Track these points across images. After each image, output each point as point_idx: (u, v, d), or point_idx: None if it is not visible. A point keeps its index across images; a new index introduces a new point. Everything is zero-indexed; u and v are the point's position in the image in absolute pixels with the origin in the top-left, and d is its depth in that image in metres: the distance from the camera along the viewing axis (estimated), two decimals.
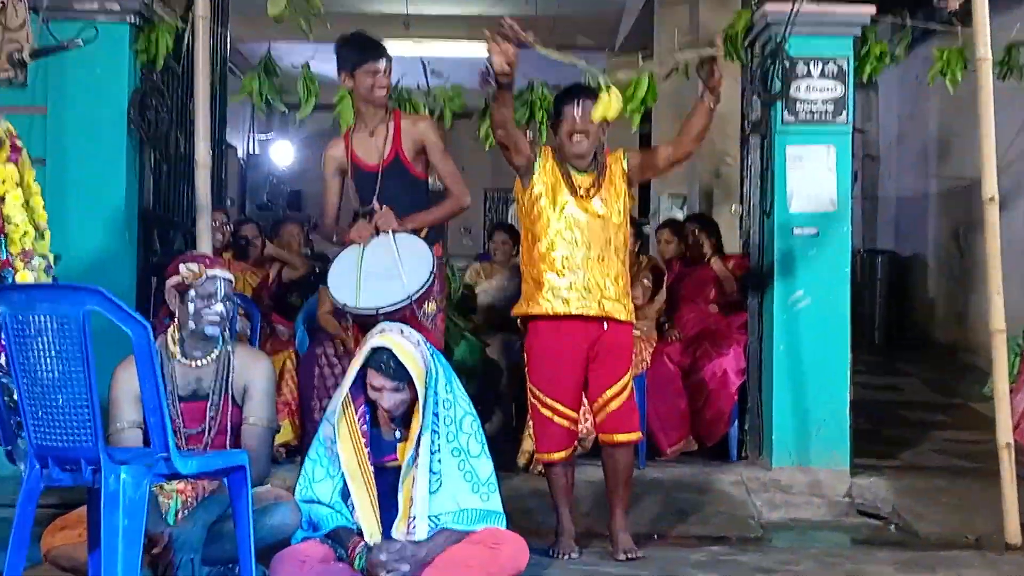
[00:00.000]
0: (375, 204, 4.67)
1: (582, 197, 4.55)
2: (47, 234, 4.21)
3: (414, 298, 4.35)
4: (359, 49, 4.80)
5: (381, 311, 4.32)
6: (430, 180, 5.04)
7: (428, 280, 4.38)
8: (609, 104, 4.41)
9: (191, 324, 3.99)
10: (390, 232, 4.56)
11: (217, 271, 4.04)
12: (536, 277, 4.60)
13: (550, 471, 4.70)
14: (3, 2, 5.35)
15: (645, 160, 4.70)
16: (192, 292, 3.99)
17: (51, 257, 4.23)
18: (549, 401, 4.57)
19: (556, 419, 4.58)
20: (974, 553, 4.74)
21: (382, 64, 4.75)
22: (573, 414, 4.63)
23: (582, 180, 4.58)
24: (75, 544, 3.72)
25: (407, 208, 4.66)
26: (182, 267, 4.06)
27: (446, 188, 4.91)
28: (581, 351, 4.56)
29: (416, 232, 4.60)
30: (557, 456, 4.61)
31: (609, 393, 4.57)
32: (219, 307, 3.98)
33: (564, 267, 4.54)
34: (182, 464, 3.37)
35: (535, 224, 4.62)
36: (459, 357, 5.97)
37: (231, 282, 4.11)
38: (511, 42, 4.27)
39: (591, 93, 4.53)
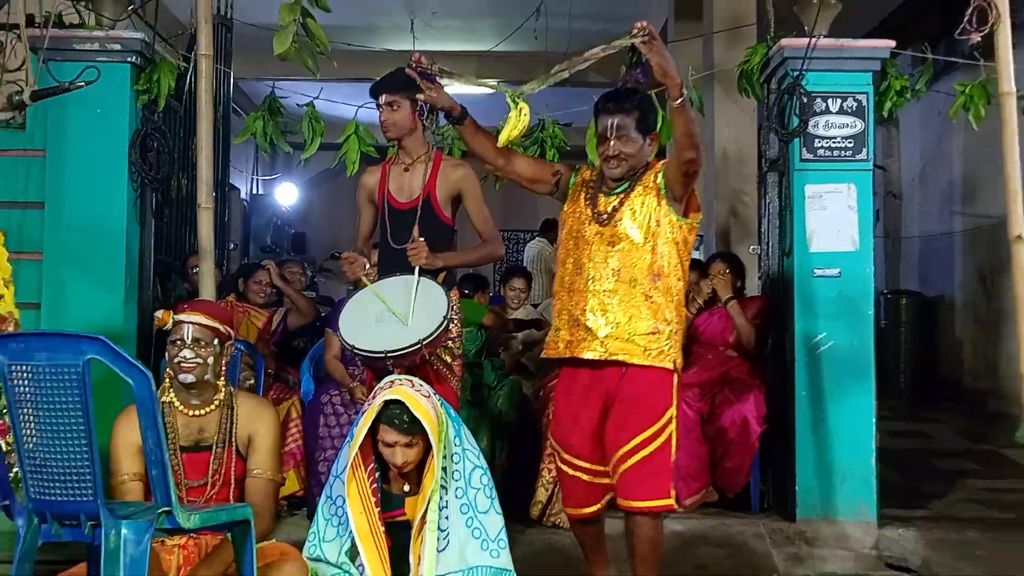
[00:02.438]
0: (415, 233, 4.64)
1: (602, 223, 4.12)
2: (11, 287, 4.14)
3: (425, 343, 4.27)
4: (375, 84, 4.85)
5: (390, 354, 4.25)
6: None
7: (441, 325, 4.31)
8: (516, 123, 4.15)
9: (171, 371, 4.02)
10: (416, 271, 4.49)
11: (184, 316, 4.03)
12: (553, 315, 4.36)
13: (574, 527, 4.43)
14: (2, 42, 5.44)
15: (668, 172, 4.09)
16: (168, 338, 4.03)
17: (16, 313, 4.17)
18: (563, 453, 4.25)
19: (572, 472, 4.23)
20: None
21: (382, 99, 4.75)
22: (592, 466, 4.19)
23: (607, 203, 4.16)
24: None
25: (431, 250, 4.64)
26: (157, 313, 4.10)
27: (481, 237, 4.92)
28: (595, 400, 4.13)
29: (434, 276, 4.55)
30: (576, 512, 4.29)
31: (623, 451, 4.02)
32: (187, 352, 3.97)
33: (566, 303, 4.18)
34: (184, 519, 3.36)
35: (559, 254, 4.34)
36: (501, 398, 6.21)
37: (210, 328, 4.05)
38: (430, 78, 4.25)
39: (630, 102, 4.17)
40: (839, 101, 5.75)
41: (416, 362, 4.36)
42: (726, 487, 6.09)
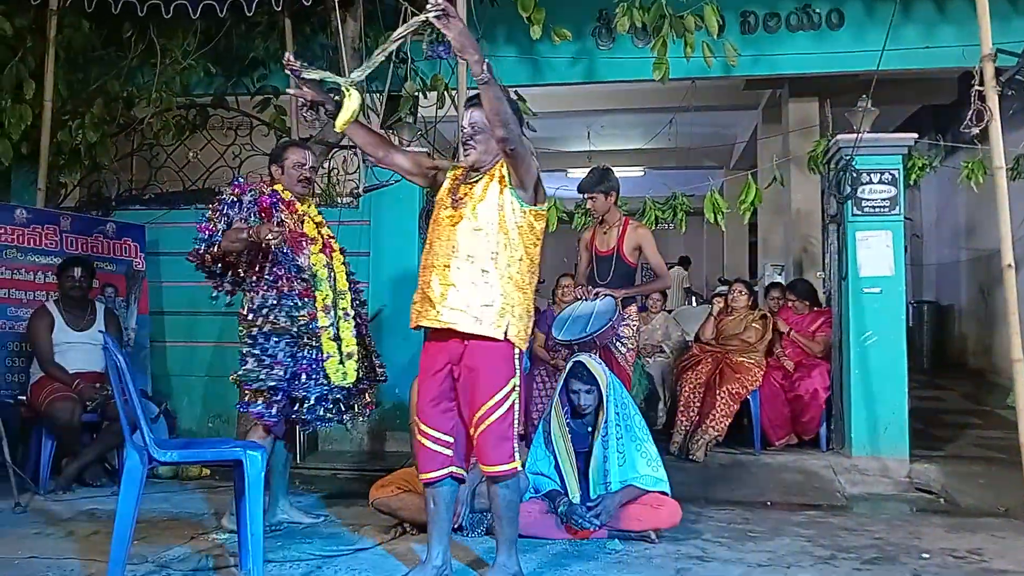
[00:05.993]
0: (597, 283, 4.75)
1: (454, 207, 3.08)
2: (348, 296, 3.95)
3: (594, 335, 4.38)
4: (579, 185, 4.92)
5: (574, 341, 4.44)
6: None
7: (604, 326, 4.41)
8: (347, 108, 2.97)
9: None
10: (600, 295, 4.62)
11: None
12: None
13: (425, 491, 3.15)
14: (344, 156, 5.76)
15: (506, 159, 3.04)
16: None
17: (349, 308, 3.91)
18: (415, 417, 3.21)
19: (418, 436, 3.13)
20: (1004, 520, 4.41)
21: (586, 195, 4.87)
22: (433, 432, 3.07)
23: (463, 191, 3.11)
24: (391, 496, 3.88)
25: (618, 283, 4.71)
26: None
27: (654, 273, 4.99)
28: (441, 371, 3.07)
29: (614, 296, 4.60)
30: (424, 477, 3.11)
31: (474, 420, 3.02)
32: None
33: (420, 279, 3.12)
34: (160, 455, 3.10)
35: None
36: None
37: None
38: (296, 74, 2.97)
39: (478, 103, 3.02)
40: (878, 175, 5.49)
41: (596, 346, 4.46)
42: (803, 433, 5.88)
